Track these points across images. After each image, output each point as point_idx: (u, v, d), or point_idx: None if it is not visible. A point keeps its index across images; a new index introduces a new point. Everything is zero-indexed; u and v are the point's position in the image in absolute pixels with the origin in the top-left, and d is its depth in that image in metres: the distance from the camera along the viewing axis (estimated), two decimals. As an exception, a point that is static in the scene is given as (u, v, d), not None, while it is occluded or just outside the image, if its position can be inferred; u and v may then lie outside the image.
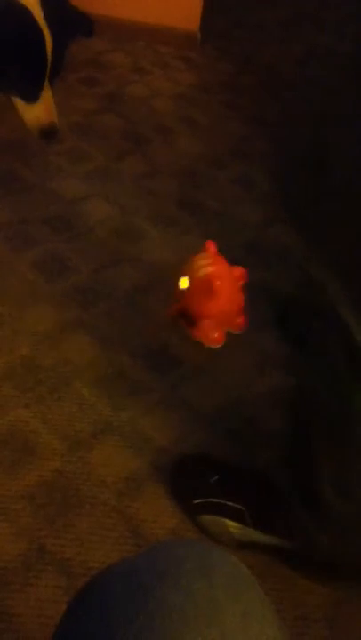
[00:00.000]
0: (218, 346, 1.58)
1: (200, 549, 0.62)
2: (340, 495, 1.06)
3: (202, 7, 2.69)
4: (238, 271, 1.57)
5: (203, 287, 1.49)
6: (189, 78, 2.64)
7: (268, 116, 2.49)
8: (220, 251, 1.59)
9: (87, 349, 1.52)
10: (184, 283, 1.52)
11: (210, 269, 1.51)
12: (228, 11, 3.14)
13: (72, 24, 1.47)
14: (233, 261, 1.59)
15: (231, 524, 1.20)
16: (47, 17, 1.37)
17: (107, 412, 1.40)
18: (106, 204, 1.94)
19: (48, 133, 1.47)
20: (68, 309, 1.60)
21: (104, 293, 1.66)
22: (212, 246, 1.57)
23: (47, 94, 1.45)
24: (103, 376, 1.47)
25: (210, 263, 1.53)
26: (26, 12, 1.36)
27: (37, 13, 1.37)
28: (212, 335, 1.56)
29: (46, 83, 1.45)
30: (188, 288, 1.52)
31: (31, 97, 1.43)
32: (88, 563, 1.16)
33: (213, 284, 1.47)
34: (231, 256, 1.60)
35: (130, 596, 0.56)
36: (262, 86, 2.69)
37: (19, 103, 1.46)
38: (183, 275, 1.54)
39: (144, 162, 2.14)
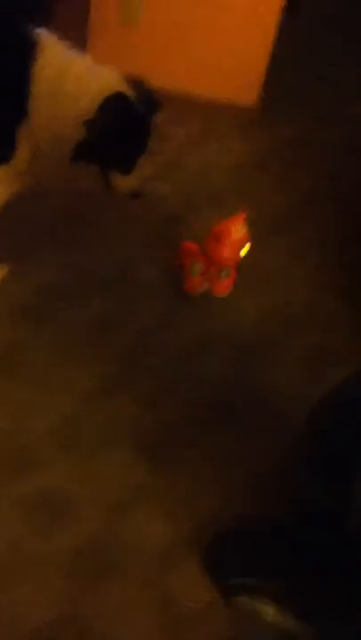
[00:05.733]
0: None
1: None
2: None
3: (262, 83, 2.79)
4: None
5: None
6: (245, 152, 2.71)
7: (320, 192, 2.53)
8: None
9: (130, 410, 1.52)
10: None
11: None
12: (286, 87, 3.24)
13: (151, 103, 1.59)
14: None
15: (265, 609, 1.15)
16: (138, 99, 1.53)
17: (144, 476, 1.39)
18: (156, 267, 1.98)
19: (135, 195, 1.68)
20: (113, 368, 1.61)
21: (151, 354, 1.67)
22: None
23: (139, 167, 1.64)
24: (143, 438, 1.46)
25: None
26: (133, 104, 1.51)
27: (132, 98, 1.51)
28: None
29: None
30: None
31: (129, 170, 1.60)
32: (117, 637, 1.12)
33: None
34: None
35: None
36: (317, 162, 2.74)
37: (113, 173, 1.60)
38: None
39: (195, 229, 2.19)
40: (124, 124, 1.51)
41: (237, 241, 1.89)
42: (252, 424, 1.56)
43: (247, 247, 1.91)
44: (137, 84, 1.53)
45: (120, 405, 1.52)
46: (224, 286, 1.90)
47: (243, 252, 1.91)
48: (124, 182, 1.62)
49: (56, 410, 1.48)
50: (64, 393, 1.52)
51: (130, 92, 1.51)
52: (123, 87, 1.51)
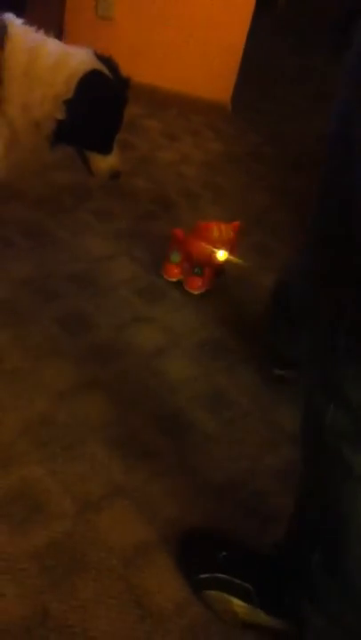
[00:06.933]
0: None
1: None
2: (330, 574, 1.05)
3: (235, 80, 2.81)
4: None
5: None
6: (218, 147, 2.73)
7: (290, 187, 2.56)
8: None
9: (103, 408, 1.53)
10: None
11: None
12: (259, 84, 3.27)
13: (122, 79, 1.59)
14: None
15: (237, 603, 1.18)
16: (112, 75, 1.53)
17: (118, 474, 1.40)
18: (130, 264, 1.98)
19: (114, 176, 1.67)
20: (86, 367, 1.62)
21: (122, 353, 1.69)
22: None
23: (115, 145, 1.64)
24: (117, 437, 1.48)
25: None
26: (109, 80, 1.51)
27: (107, 74, 1.52)
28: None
29: None
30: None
31: (109, 150, 1.61)
32: (90, 631, 1.14)
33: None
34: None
35: None
36: (286, 158, 2.77)
37: (93, 155, 1.61)
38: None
39: (170, 224, 2.20)
40: (102, 101, 1.51)
41: (217, 243, 1.90)
42: (226, 422, 1.59)
43: (225, 254, 1.91)
44: (106, 60, 1.54)
45: (94, 404, 1.53)
46: (195, 283, 1.92)
47: (221, 258, 1.91)
48: (104, 163, 1.63)
49: (30, 408, 1.48)
50: (37, 391, 1.52)
51: (104, 69, 1.51)
52: (97, 65, 1.50)
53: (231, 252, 1.95)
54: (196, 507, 1.38)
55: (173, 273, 1.93)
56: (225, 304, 1.94)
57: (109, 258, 1.98)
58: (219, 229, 1.91)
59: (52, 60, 1.46)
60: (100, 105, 1.50)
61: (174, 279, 1.93)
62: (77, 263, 1.92)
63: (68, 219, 2.07)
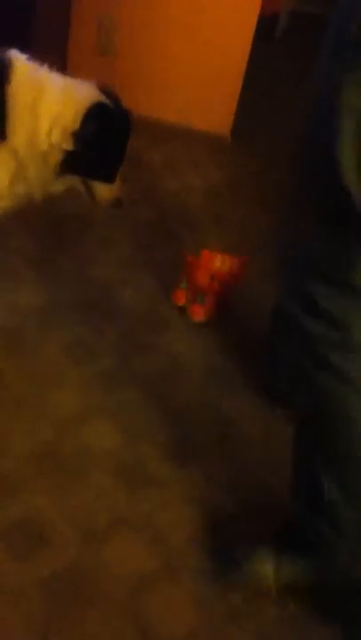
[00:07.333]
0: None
1: None
2: (346, 499, 1.16)
3: (235, 110, 2.85)
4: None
5: None
6: (220, 176, 2.76)
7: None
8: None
9: (107, 437, 1.53)
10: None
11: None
12: (259, 111, 3.31)
13: (124, 111, 1.63)
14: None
15: (268, 573, 1.27)
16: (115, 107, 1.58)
17: (123, 503, 1.39)
18: (134, 292, 2.00)
19: (118, 203, 1.70)
20: (91, 395, 1.62)
21: (129, 380, 1.69)
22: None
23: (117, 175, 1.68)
24: (121, 466, 1.47)
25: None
26: (114, 112, 1.56)
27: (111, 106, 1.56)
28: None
29: None
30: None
31: (112, 179, 1.65)
32: (95, 665, 1.12)
33: None
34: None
35: None
36: (288, 185, 2.79)
37: (96, 184, 1.64)
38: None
39: (173, 253, 2.21)
40: (109, 132, 1.55)
41: (220, 273, 1.91)
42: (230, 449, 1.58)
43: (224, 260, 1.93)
44: (108, 93, 1.58)
45: (98, 432, 1.53)
46: (198, 311, 1.92)
47: (218, 263, 1.93)
48: (107, 192, 1.66)
49: (34, 436, 1.48)
50: (42, 419, 1.52)
51: (108, 102, 1.56)
52: (101, 97, 1.55)
53: (231, 282, 1.96)
54: (202, 537, 1.36)
55: (179, 297, 1.95)
56: (229, 332, 1.94)
57: (113, 287, 1.99)
58: (222, 260, 1.93)
59: (58, 92, 1.50)
60: (106, 136, 1.54)
61: (179, 304, 1.95)
62: (82, 292, 1.93)
63: (73, 248, 2.10)
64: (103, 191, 1.65)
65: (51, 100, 1.49)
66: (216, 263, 1.91)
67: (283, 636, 1.25)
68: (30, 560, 1.25)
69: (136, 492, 1.42)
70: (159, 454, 1.51)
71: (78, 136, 1.49)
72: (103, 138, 1.53)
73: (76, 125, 1.48)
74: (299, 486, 1.27)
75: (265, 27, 3.05)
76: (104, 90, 1.58)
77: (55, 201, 1.96)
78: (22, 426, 1.49)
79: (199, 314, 1.93)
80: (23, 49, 1.55)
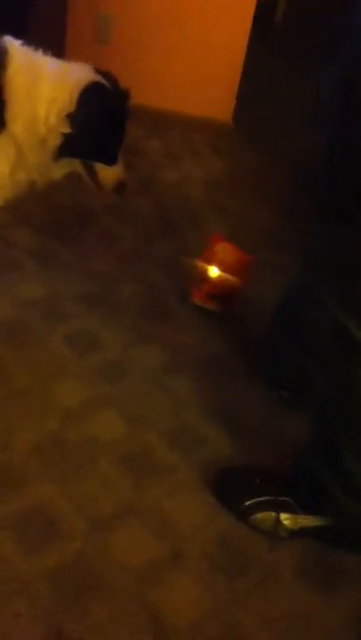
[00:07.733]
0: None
1: None
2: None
3: (235, 99, 2.84)
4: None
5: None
6: (220, 166, 2.75)
7: (294, 204, 2.57)
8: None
9: (113, 427, 1.53)
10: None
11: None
12: (258, 102, 3.30)
13: (122, 91, 1.63)
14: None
15: (283, 516, 1.34)
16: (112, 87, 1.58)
17: (130, 492, 1.40)
18: (136, 283, 1.99)
19: (121, 187, 1.69)
20: (95, 385, 1.63)
21: (132, 371, 1.69)
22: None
23: (120, 157, 1.67)
24: (127, 454, 1.47)
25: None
26: (110, 91, 1.56)
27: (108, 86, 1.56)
28: None
29: None
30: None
31: (114, 161, 1.64)
32: (106, 651, 1.13)
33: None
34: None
35: None
36: (288, 175, 2.79)
37: (99, 167, 1.64)
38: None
39: (174, 244, 2.21)
40: (105, 111, 1.55)
41: (218, 264, 1.91)
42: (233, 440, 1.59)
43: (218, 273, 1.91)
44: (104, 74, 1.58)
45: (104, 422, 1.53)
46: (195, 293, 1.94)
47: (213, 275, 1.91)
48: (110, 173, 1.65)
49: (40, 427, 1.48)
50: (47, 411, 1.53)
51: (104, 82, 1.55)
52: (97, 77, 1.54)
53: (234, 280, 1.93)
54: (208, 523, 1.37)
55: (196, 296, 1.95)
56: (232, 321, 1.94)
57: (115, 278, 1.99)
58: (224, 252, 1.92)
59: (53, 76, 1.50)
60: (102, 115, 1.54)
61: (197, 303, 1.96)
62: (84, 284, 1.93)
63: (74, 241, 2.09)
64: (106, 173, 1.64)
65: (46, 83, 1.49)
66: (219, 255, 1.91)
67: (292, 621, 1.25)
68: (39, 550, 1.25)
69: (142, 480, 1.42)
70: (164, 443, 1.52)
71: (74, 118, 1.48)
72: (100, 117, 1.53)
73: (72, 107, 1.48)
74: (314, 455, 1.32)
75: (264, 11, 3.03)
76: (100, 71, 1.57)
77: (54, 194, 1.96)
78: (28, 417, 1.50)
79: (196, 296, 1.93)
80: (20, 36, 1.54)
